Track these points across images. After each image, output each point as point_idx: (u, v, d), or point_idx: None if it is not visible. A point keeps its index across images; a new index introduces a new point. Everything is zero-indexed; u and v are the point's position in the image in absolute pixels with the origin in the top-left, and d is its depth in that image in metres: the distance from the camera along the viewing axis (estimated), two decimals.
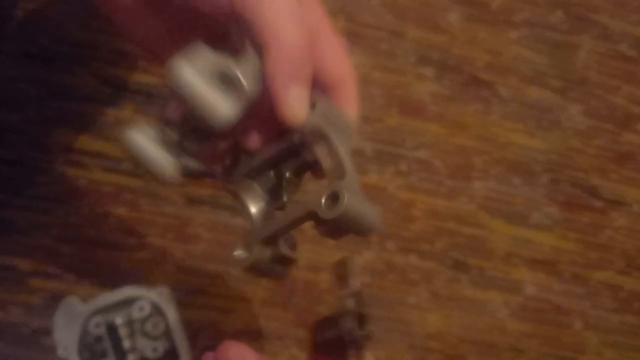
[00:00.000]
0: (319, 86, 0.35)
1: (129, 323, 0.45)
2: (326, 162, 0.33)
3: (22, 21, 0.52)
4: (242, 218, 0.35)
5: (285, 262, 0.36)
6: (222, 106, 0.32)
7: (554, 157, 0.61)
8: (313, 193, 0.32)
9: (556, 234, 0.60)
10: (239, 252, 0.34)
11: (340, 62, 0.36)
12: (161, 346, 0.45)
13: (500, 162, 0.60)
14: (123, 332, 0.44)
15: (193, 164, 0.35)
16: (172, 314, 0.45)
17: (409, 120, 0.59)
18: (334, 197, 0.31)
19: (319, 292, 0.53)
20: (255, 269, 0.35)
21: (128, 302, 0.45)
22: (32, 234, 0.48)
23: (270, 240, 0.34)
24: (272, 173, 0.36)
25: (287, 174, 0.35)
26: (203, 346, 0.46)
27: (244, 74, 0.32)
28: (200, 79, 0.31)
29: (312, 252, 0.53)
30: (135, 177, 0.51)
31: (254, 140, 0.35)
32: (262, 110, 0.33)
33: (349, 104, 0.36)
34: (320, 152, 0.33)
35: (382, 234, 0.34)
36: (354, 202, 0.31)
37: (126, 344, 0.44)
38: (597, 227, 0.61)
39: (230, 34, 0.33)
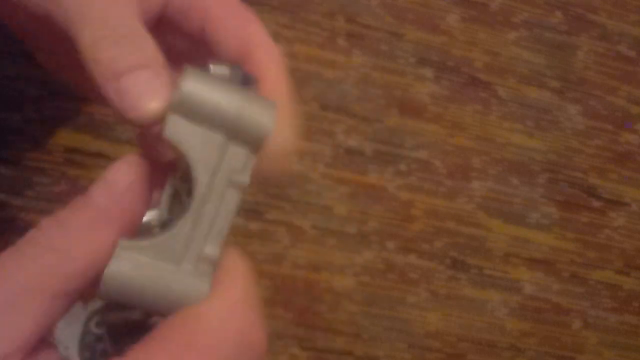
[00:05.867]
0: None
1: None
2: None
3: None
4: None
5: None
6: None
7: (552, 157, 0.62)
8: None
9: (555, 233, 0.60)
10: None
11: (242, 25, 0.26)
12: None
13: (499, 162, 0.60)
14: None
15: None
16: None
17: (408, 121, 0.59)
18: None
19: (319, 291, 0.53)
20: None
21: None
22: None
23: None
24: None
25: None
26: None
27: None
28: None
29: (312, 252, 0.54)
30: None
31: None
32: None
33: (269, 78, 0.24)
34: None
35: None
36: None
37: None
38: (595, 227, 0.61)
39: None
